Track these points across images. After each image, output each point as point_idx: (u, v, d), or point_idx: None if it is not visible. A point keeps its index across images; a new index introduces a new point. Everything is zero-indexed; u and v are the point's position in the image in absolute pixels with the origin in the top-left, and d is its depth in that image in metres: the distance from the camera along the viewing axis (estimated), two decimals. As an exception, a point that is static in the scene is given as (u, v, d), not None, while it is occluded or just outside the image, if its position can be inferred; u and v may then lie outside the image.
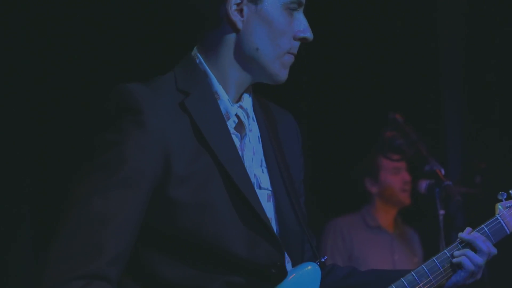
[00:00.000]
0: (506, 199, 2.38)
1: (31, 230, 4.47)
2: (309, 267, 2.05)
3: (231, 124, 2.03)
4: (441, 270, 2.23)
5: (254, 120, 2.10)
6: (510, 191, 2.39)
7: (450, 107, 5.49)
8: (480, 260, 2.24)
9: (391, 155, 4.04)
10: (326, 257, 2.12)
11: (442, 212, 3.74)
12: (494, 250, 2.28)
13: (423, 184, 4.01)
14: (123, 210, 1.85)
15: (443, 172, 3.72)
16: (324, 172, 5.19)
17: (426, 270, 2.21)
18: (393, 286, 2.16)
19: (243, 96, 2.07)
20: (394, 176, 4.71)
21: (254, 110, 2.10)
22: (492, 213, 5.14)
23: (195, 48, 2.07)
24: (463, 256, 2.23)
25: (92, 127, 1.94)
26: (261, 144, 2.09)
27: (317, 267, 2.06)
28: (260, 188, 2.05)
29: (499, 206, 2.37)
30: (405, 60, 5.43)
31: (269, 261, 1.98)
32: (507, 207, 2.36)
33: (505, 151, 5.34)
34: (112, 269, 1.83)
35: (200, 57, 2.04)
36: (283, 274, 2.00)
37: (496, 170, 5.18)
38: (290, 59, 2.05)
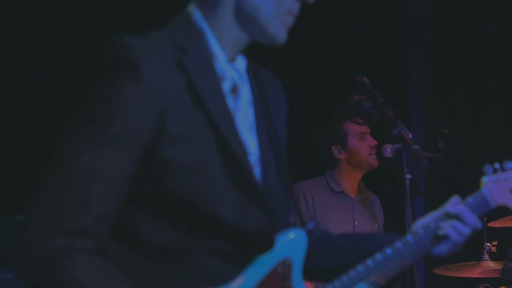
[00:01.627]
0: (492, 173, 2.38)
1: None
2: (295, 234, 2.02)
3: (226, 86, 1.97)
4: (427, 241, 2.24)
5: (246, 83, 2.05)
6: (495, 165, 2.39)
7: (414, 72, 5.51)
8: (466, 230, 2.25)
9: (358, 119, 4.01)
10: (314, 224, 2.10)
11: (408, 176, 3.74)
12: (479, 224, 2.29)
13: (388, 148, 4.02)
14: (114, 167, 1.77)
15: (410, 136, 3.72)
16: (290, 135, 5.17)
17: (412, 241, 2.22)
18: (379, 255, 2.16)
19: (237, 57, 2.02)
20: (362, 142, 4.71)
21: (246, 73, 2.06)
22: (456, 178, 5.18)
23: (192, 3, 2.00)
24: (450, 227, 2.24)
25: (81, 82, 1.86)
26: (251, 108, 2.04)
27: (303, 233, 2.03)
28: None
29: (484, 179, 2.38)
30: (372, 25, 5.43)
31: (260, 229, 1.94)
32: (493, 181, 2.36)
33: (468, 116, 5.39)
34: (98, 227, 1.76)
35: (198, 14, 1.98)
36: (271, 242, 1.97)
37: (459, 136, 5.24)
38: (290, 20, 1.99)
